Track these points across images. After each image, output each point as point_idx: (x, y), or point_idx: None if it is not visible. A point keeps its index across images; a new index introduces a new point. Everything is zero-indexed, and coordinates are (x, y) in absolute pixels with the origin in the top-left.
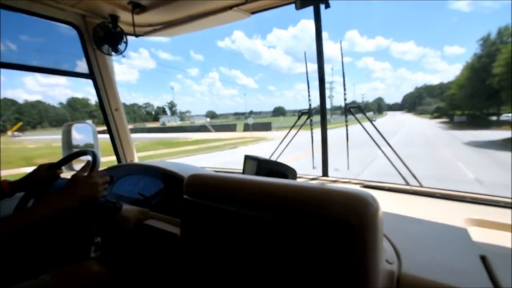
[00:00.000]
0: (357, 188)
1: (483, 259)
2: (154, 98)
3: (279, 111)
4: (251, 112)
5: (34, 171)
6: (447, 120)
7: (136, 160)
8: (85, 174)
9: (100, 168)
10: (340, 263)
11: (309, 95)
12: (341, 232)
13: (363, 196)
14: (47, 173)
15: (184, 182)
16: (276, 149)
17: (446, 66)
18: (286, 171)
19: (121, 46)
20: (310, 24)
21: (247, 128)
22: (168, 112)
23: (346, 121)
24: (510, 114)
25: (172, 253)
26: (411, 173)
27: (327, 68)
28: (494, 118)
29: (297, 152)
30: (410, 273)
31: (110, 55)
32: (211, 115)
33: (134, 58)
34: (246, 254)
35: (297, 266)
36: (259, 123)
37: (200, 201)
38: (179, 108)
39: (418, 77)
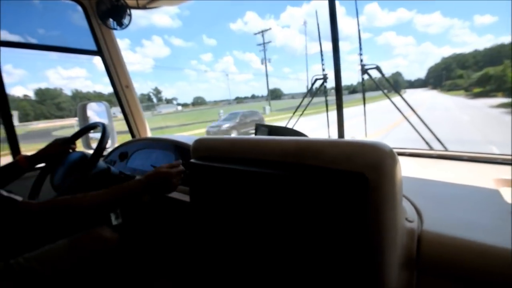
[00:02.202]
0: (372, 139)
1: None
2: (169, 86)
3: (274, 94)
4: (252, 96)
5: (49, 145)
6: None
7: (149, 135)
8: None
9: (116, 144)
10: (355, 219)
11: (322, 58)
12: (355, 186)
13: (379, 147)
14: (61, 147)
15: (191, 147)
16: (291, 118)
17: (476, 38)
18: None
19: (125, 20)
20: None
21: None
22: (154, 99)
23: (363, 80)
24: None
25: (183, 220)
26: (435, 138)
27: (345, 45)
28: None
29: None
30: (432, 230)
31: (115, 29)
32: (200, 101)
33: (147, 46)
34: (256, 214)
35: (310, 223)
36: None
37: (207, 163)
38: (165, 95)
39: (444, 51)
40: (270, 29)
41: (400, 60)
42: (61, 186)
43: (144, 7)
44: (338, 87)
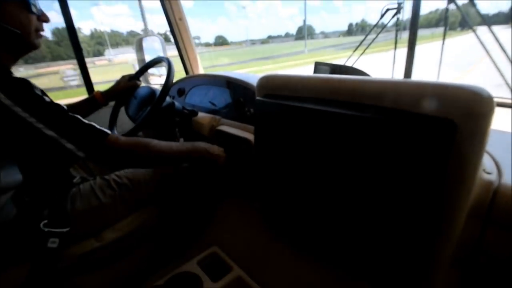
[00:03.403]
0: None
1: None
2: (211, 22)
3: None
4: (286, 35)
5: (118, 82)
6: None
7: (201, 71)
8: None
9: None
10: (434, 167)
11: None
12: (441, 133)
13: (477, 91)
14: (129, 83)
15: (256, 84)
16: (351, 55)
17: None
18: None
19: None
20: None
21: None
22: (172, 39)
23: (447, 11)
24: None
25: (244, 156)
26: None
27: None
28: None
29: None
30: None
31: None
32: (221, 41)
33: None
34: (326, 155)
35: (384, 166)
36: None
37: (274, 101)
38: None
39: None
40: None
41: None
42: (136, 118)
43: None
44: (415, 19)
